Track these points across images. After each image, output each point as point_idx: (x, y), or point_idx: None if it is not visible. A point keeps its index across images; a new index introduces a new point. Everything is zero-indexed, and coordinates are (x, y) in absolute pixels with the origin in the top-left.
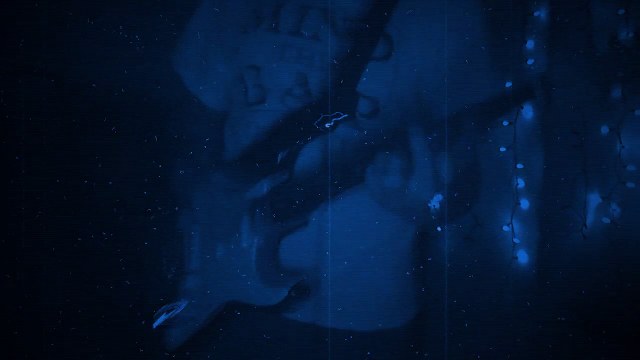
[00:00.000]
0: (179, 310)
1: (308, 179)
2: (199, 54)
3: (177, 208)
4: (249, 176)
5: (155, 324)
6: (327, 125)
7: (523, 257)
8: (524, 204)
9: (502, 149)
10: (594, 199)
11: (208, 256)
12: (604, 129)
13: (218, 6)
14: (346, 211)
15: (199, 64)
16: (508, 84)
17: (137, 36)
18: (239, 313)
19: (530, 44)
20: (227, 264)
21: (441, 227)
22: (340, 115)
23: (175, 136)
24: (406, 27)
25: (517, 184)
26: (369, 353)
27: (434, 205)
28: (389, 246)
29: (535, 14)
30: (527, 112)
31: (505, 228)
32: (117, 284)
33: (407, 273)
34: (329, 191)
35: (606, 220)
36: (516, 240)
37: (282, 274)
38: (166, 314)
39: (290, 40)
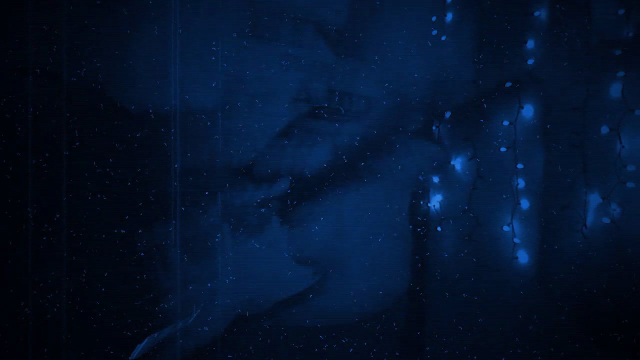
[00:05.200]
0: (190, 320)
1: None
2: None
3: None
4: (269, 178)
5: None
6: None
7: (523, 257)
8: (524, 204)
9: (502, 149)
10: (594, 199)
11: (241, 249)
12: (604, 129)
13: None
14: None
15: (194, 72)
16: (508, 84)
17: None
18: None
19: (530, 44)
20: (259, 254)
21: (441, 227)
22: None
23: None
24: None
25: (517, 184)
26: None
27: (434, 206)
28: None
29: (535, 14)
30: (527, 112)
31: (505, 228)
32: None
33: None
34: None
35: (606, 220)
36: (516, 240)
37: (309, 261)
38: (147, 341)
39: (290, 50)
